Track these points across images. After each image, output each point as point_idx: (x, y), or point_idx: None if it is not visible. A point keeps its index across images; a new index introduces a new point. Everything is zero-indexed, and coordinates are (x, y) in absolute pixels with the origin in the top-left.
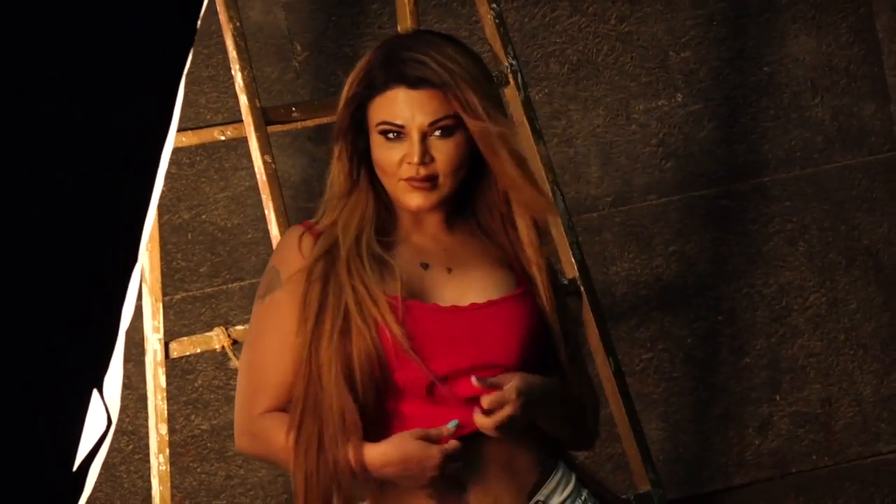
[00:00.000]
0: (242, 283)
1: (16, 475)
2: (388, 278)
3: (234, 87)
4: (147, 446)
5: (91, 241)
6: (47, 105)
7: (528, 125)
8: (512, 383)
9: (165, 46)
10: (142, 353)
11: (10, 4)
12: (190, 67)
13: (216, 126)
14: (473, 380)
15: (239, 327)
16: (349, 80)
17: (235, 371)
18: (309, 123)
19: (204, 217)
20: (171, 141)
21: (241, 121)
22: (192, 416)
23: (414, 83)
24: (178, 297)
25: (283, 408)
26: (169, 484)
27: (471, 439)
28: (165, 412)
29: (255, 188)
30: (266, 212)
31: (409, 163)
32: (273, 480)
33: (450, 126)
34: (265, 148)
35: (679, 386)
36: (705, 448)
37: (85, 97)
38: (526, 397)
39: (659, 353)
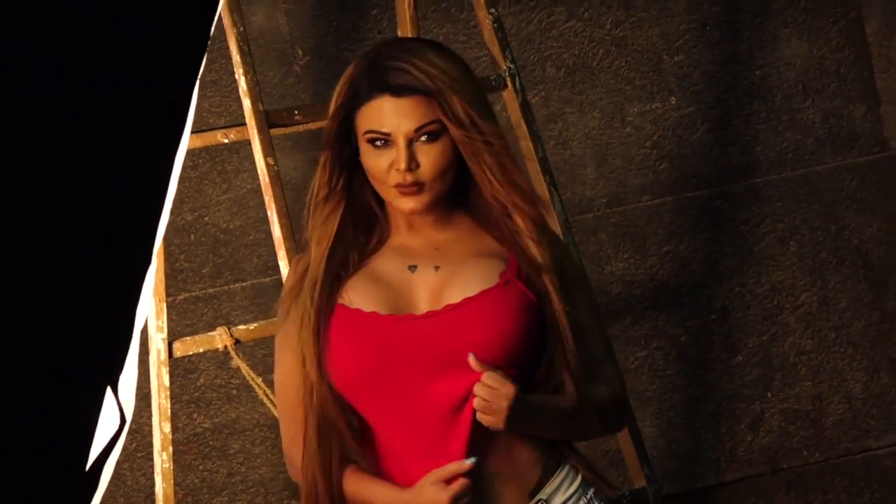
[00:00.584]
0: (244, 284)
1: (30, 473)
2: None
3: (236, 91)
4: (150, 444)
5: (108, 243)
6: (67, 109)
7: (525, 127)
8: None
9: (181, 51)
10: (145, 352)
11: (28, 11)
12: None
13: (219, 129)
14: (471, 357)
15: (241, 327)
16: (336, 90)
17: (237, 370)
18: (311, 126)
19: (206, 219)
20: (184, 145)
21: (244, 124)
22: (195, 415)
23: (398, 91)
24: (181, 297)
25: None
26: (172, 481)
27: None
28: (169, 411)
29: (258, 190)
30: (269, 213)
31: (397, 169)
32: (274, 477)
33: (435, 131)
34: (268, 150)
35: (672, 383)
36: (698, 444)
37: (104, 101)
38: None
39: (653, 350)
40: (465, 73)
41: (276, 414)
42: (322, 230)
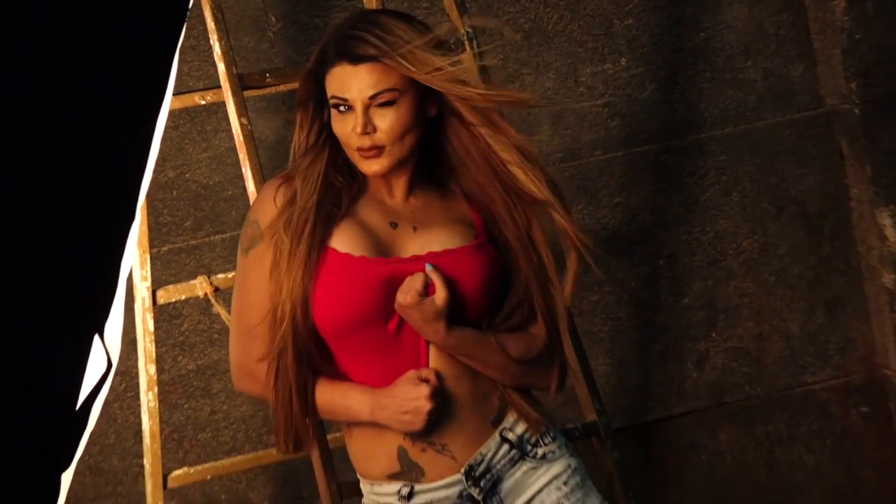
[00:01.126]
0: (224, 236)
1: (23, 414)
2: (351, 237)
3: (213, 56)
4: (138, 385)
5: (94, 201)
6: (54, 75)
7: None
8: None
9: (162, 21)
10: (132, 300)
11: None
12: None
13: (197, 91)
14: (427, 266)
15: (220, 275)
16: (312, 57)
17: (218, 316)
18: (282, 88)
19: (188, 175)
20: (166, 108)
21: (220, 86)
22: (180, 358)
23: (355, 59)
24: (164, 248)
25: None
26: (158, 419)
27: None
28: (154, 353)
29: (235, 149)
30: (243, 169)
31: (355, 132)
32: (254, 415)
33: (392, 99)
34: (242, 111)
35: (624, 324)
36: (648, 381)
37: (90, 69)
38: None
39: (605, 294)
40: (426, 40)
41: None
42: (308, 171)
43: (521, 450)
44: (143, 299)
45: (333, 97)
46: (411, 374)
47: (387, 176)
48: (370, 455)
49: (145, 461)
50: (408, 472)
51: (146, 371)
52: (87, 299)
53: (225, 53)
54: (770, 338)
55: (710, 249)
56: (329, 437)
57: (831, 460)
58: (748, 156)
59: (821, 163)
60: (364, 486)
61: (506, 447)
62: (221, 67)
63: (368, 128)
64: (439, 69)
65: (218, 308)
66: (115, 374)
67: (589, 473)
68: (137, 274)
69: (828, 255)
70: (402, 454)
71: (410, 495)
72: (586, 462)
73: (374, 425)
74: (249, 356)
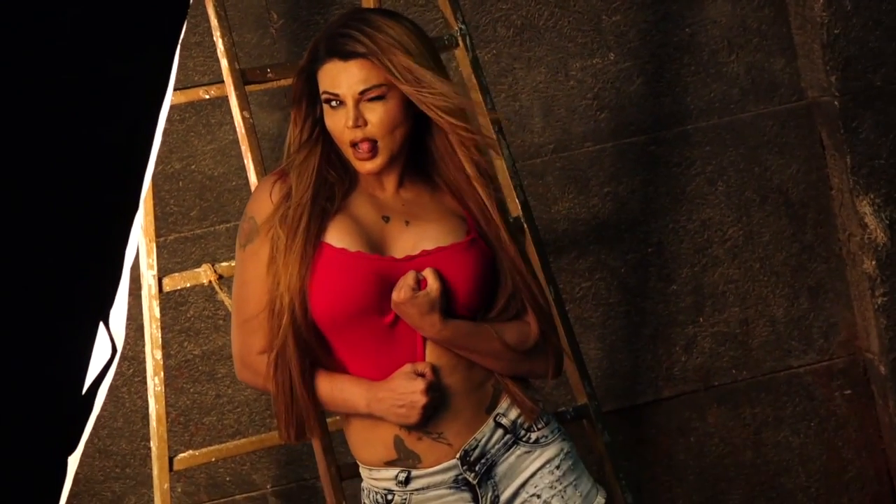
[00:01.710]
0: (228, 225)
1: (30, 399)
2: (346, 232)
3: (217, 52)
4: (145, 370)
5: (97, 190)
6: (61, 69)
7: (475, 82)
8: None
9: (163, 18)
10: (139, 287)
11: None
12: None
13: (201, 86)
14: (428, 271)
15: (224, 264)
16: (304, 55)
17: (222, 303)
18: (283, 83)
19: (193, 167)
20: (168, 102)
21: (223, 81)
22: (185, 343)
23: (345, 56)
24: (171, 237)
25: None
26: (164, 402)
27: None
28: (160, 339)
29: (238, 141)
30: (245, 161)
31: (347, 126)
32: (257, 399)
33: (381, 94)
34: (244, 105)
35: (614, 310)
36: (637, 365)
37: (95, 64)
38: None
39: (596, 281)
40: (414, 36)
41: None
42: (303, 167)
43: (514, 434)
44: (150, 287)
45: (325, 93)
46: (407, 367)
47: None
48: (367, 443)
49: (152, 444)
50: (404, 458)
51: (153, 356)
52: (91, 288)
53: (228, 49)
54: (755, 323)
55: (697, 237)
56: (329, 420)
57: (816, 441)
58: (732, 146)
59: (802, 153)
60: (363, 471)
61: (500, 432)
62: (224, 63)
63: (360, 121)
64: (420, 83)
65: (222, 295)
66: (123, 360)
67: (580, 456)
68: (144, 262)
69: (810, 242)
70: (398, 443)
71: (407, 480)
72: (578, 444)
73: (371, 416)
74: (250, 349)
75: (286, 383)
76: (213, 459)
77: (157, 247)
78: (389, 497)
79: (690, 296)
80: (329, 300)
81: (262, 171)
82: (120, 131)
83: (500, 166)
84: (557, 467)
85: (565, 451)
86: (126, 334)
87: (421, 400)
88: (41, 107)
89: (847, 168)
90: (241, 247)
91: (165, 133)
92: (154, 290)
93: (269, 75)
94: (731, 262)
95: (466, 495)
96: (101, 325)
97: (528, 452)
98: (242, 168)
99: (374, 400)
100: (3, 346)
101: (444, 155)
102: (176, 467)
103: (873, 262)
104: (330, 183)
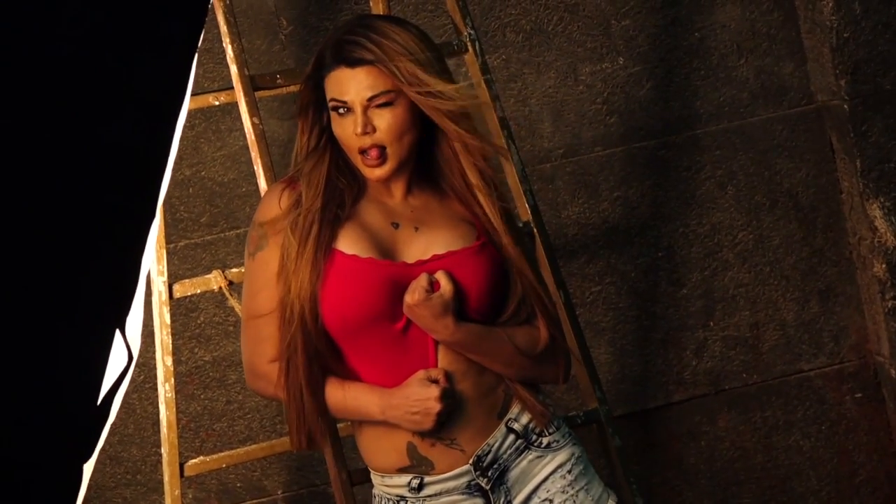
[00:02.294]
0: (238, 232)
1: (46, 407)
2: (357, 239)
3: (226, 58)
4: (156, 376)
5: (115, 198)
6: (83, 79)
7: (485, 87)
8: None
9: (181, 29)
10: (149, 294)
11: None
12: None
13: (211, 93)
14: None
15: (234, 270)
16: (310, 62)
17: (233, 309)
18: (293, 89)
19: (203, 173)
20: (185, 109)
21: (233, 88)
22: (196, 349)
23: (353, 63)
24: (181, 244)
25: None
26: (174, 409)
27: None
28: (170, 345)
29: (248, 147)
30: (255, 167)
31: (356, 133)
32: (268, 405)
33: (389, 100)
34: (253, 111)
35: (624, 314)
36: (648, 369)
37: (115, 74)
38: (444, 309)
39: (606, 286)
40: (420, 42)
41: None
42: (312, 174)
43: (526, 439)
44: (160, 293)
45: (333, 100)
46: (421, 374)
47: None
48: (380, 450)
49: (163, 450)
50: (417, 465)
51: (163, 363)
52: (108, 295)
53: (237, 56)
54: (766, 326)
55: (707, 241)
56: (339, 425)
57: (827, 445)
58: (742, 151)
59: (812, 157)
60: (374, 478)
61: (512, 437)
62: (234, 69)
63: (368, 128)
64: (428, 92)
65: (232, 301)
66: (134, 367)
67: (591, 460)
68: (154, 269)
69: (820, 246)
70: (411, 449)
71: (420, 487)
72: (588, 449)
73: (385, 423)
74: (261, 358)
75: (297, 391)
76: (224, 465)
77: (168, 253)
78: (402, 503)
79: (700, 300)
80: (341, 307)
81: (271, 178)
82: (137, 138)
83: (510, 171)
84: (569, 472)
85: (576, 455)
86: None
87: (436, 407)
88: (59, 113)
89: (857, 172)
90: (251, 255)
91: None
92: (164, 296)
93: (279, 81)
94: (741, 266)
95: (479, 501)
96: (118, 333)
97: (540, 457)
98: (252, 174)
99: (388, 407)
100: (20, 353)
101: (449, 161)
102: (187, 473)
103: (883, 266)
104: (340, 190)
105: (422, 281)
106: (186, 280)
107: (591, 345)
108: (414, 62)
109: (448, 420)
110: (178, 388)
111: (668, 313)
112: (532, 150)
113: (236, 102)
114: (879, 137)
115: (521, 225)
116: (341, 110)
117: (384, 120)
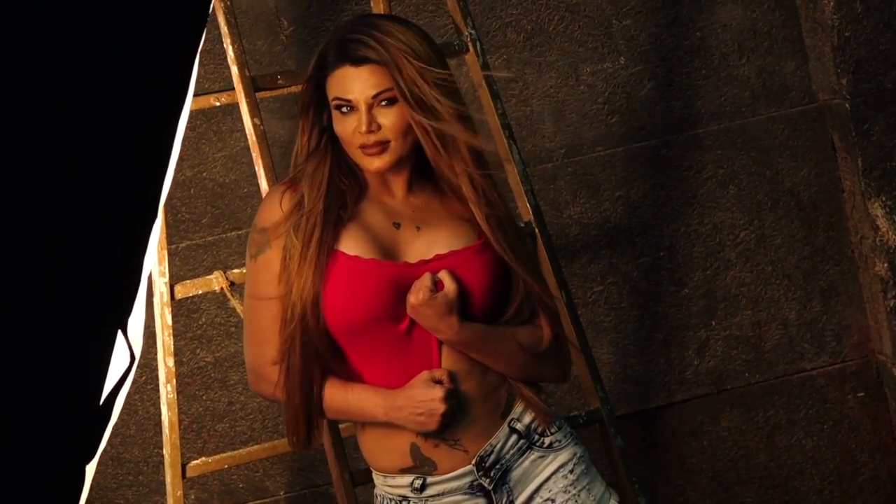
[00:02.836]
0: (240, 232)
1: (49, 408)
2: (359, 240)
3: (227, 59)
4: (157, 377)
5: (117, 199)
6: (87, 84)
7: (486, 87)
8: (451, 288)
9: (182, 30)
10: (151, 295)
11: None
12: None
13: (212, 93)
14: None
15: (236, 270)
16: (311, 62)
17: (234, 310)
18: (293, 89)
19: (204, 174)
20: (187, 110)
21: (234, 88)
22: (198, 350)
23: (357, 61)
24: (182, 245)
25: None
26: (176, 410)
27: (451, 374)
28: (172, 347)
29: (249, 148)
30: (256, 168)
31: (360, 132)
32: (270, 405)
33: (393, 97)
34: (254, 112)
35: (626, 314)
36: (650, 368)
37: (118, 77)
38: (448, 308)
39: (608, 286)
40: (423, 41)
41: None
42: (314, 175)
43: (528, 439)
44: (162, 294)
45: (336, 98)
46: (425, 374)
47: (385, 175)
48: (383, 451)
49: (165, 451)
50: (420, 465)
51: (165, 364)
52: (110, 296)
53: (238, 57)
54: (768, 326)
55: (709, 241)
56: (341, 426)
57: (829, 444)
58: (744, 150)
59: (814, 156)
60: (377, 478)
61: (514, 437)
62: (234, 70)
63: (373, 126)
64: (421, 101)
65: (233, 302)
66: (136, 368)
67: (593, 460)
68: (156, 269)
69: (822, 245)
70: (414, 450)
71: (423, 487)
72: (590, 448)
73: (388, 424)
74: (263, 360)
75: (293, 391)
76: (226, 466)
77: (169, 254)
78: (404, 503)
79: (702, 299)
80: (344, 308)
81: (273, 178)
82: (140, 139)
83: (511, 171)
84: (571, 471)
85: (578, 455)
86: None
87: (440, 407)
88: (61, 115)
89: (858, 170)
90: (252, 257)
91: None
92: (166, 297)
93: (280, 82)
94: (743, 265)
95: (481, 501)
96: (119, 334)
97: (542, 457)
98: (253, 175)
99: (392, 408)
100: (22, 354)
101: (439, 164)
102: (189, 474)
103: (885, 265)
104: (342, 191)
105: (426, 280)
106: (188, 281)
107: (593, 345)
108: (417, 61)
109: (452, 421)
110: (180, 389)
111: (670, 313)
112: (533, 150)
113: (237, 103)
114: (881, 136)
115: (522, 225)
116: (344, 108)
117: (389, 117)
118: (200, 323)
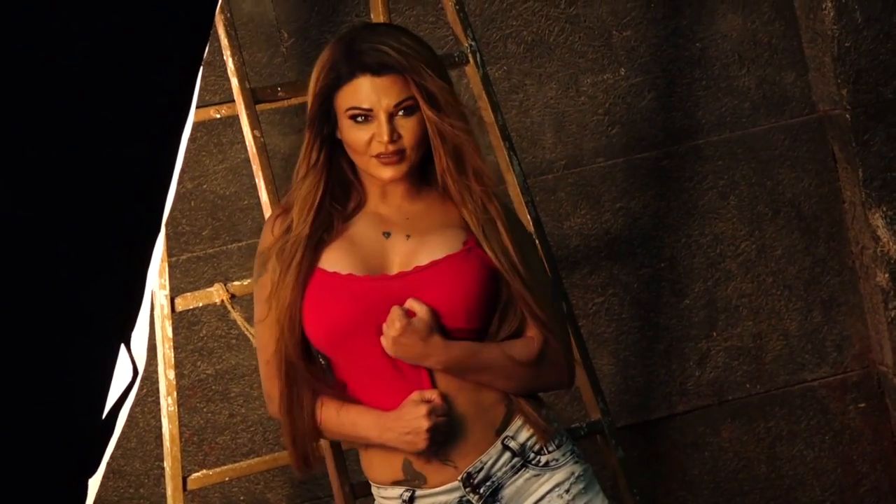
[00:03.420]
0: (240, 244)
1: (51, 421)
2: (340, 255)
3: (227, 71)
4: (158, 390)
5: (121, 211)
6: (89, 93)
7: (486, 98)
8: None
9: (186, 40)
10: (151, 307)
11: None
12: None
13: (212, 105)
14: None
15: (237, 283)
16: (315, 75)
17: (235, 322)
18: (294, 101)
19: (205, 186)
20: (190, 122)
21: (234, 100)
22: (199, 363)
23: (377, 70)
24: (183, 257)
25: None
26: (177, 422)
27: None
28: (172, 359)
29: (250, 160)
30: (256, 180)
31: (379, 141)
32: (271, 418)
33: (411, 106)
34: (255, 124)
35: (627, 325)
36: (651, 380)
37: (121, 87)
38: (425, 335)
39: (609, 297)
40: (434, 55)
41: None
42: (304, 200)
43: (523, 457)
44: (162, 306)
45: (353, 108)
46: (415, 395)
47: (385, 185)
48: (378, 464)
49: (165, 464)
50: (411, 479)
51: (166, 376)
52: (113, 309)
53: (238, 69)
54: (769, 337)
55: (710, 251)
56: None
57: (831, 455)
58: (744, 161)
59: (814, 166)
60: (373, 488)
61: (507, 455)
62: (235, 82)
63: (395, 135)
64: (452, 125)
65: (234, 314)
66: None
67: (594, 473)
68: (156, 282)
69: (823, 255)
70: (406, 465)
71: (412, 499)
72: (591, 460)
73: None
74: (267, 381)
75: (285, 414)
76: (227, 479)
77: (170, 266)
78: None
79: (703, 310)
80: (317, 322)
81: (273, 190)
82: (143, 152)
83: (512, 182)
84: (567, 491)
85: (576, 474)
86: None
87: (424, 423)
88: (63, 126)
89: (859, 181)
90: (254, 281)
91: None
92: (167, 309)
93: (280, 94)
94: (743, 276)
95: None
96: (123, 348)
97: (537, 476)
98: (254, 187)
99: (384, 430)
100: (24, 367)
101: (444, 176)
102: (190, 487)
103: (886, 275)
104: (330, 214)
105: (395, 313)
106: (188, 293)
107: (593, 356)
108: (435, 75)
109: (446, 439)
110: (181, 402)
111: (671, 324)
112: (534, 162)
113: (237, 115)
114: (881, 147)
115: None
116: (360, 118)
117: (408, 128)
118: (201, 335)
